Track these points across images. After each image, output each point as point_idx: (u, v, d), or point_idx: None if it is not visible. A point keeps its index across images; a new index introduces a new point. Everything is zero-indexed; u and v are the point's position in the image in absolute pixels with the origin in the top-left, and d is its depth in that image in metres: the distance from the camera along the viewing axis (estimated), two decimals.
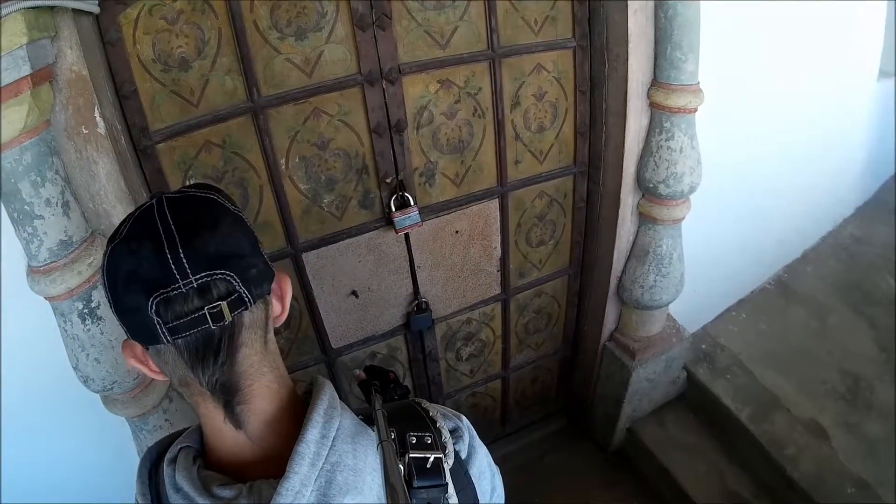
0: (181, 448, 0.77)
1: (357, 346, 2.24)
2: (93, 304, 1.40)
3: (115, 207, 1.43)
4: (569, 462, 2.95)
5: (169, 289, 0.64)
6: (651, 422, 2.84)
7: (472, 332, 2.51)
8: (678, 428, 2.81)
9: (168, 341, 0.66)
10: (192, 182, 1.69)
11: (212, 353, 0.68)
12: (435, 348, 2.44)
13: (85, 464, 1.95)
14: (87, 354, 1.44)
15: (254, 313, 0.72)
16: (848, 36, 2.91)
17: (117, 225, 0.71)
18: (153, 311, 0.64)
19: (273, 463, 0.72)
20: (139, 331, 0.68)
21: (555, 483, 2.85)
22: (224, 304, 0.67)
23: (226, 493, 0.70)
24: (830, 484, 2.34)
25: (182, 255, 0.65)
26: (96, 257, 1.35)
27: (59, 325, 1.43)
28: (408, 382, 2.48)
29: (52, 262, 1.31)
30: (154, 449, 0.82)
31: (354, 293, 2.10)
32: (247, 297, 0.69)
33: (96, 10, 1.33)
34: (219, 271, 0.67)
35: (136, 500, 0.78)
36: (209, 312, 0.66)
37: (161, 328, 0.65)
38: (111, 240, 0.69)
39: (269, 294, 0.75)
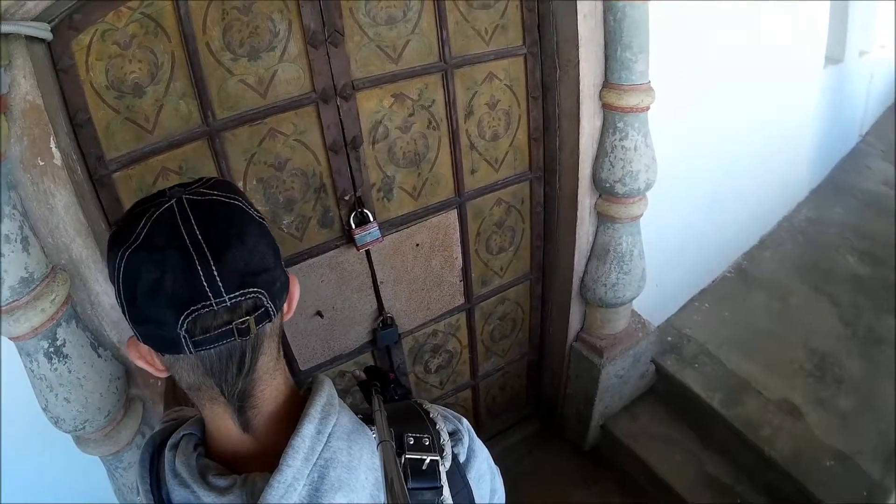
0: (184, 435, 0.78)
1: (325, 365, 2.20)
2: (58, 343, 1.35)
3: (75, 241, 1.38)
4: (546, 464, 2.95)
5: (199, 306, 0.63)
6: (624, 417, 2.87)
7: (439, 343, 2.50)
8: (651, 420, 2.85)
9: (191, 353, 0.65)
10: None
11: (235, 364, 0.68)
12: (403, 362, 2.42)
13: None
14: (56, 395, 1.39)
15: (274, 323, 0.72)
16: (794, 26, 2.98)
17: (124, 216, 0.68)
18: (183, 328, 0.63)
19: (270, 457, 0.72)
20: (156, 340, 0.67)
21: (534, 487, 2.85)
22: (251, 318, 0.66)
23: (221, 482, 0.71)
24: (809, 459, 2.40)
25: (215, 273, 0.63)
26: (59, 293, 1.31)
27: (25, 366, 1.37)
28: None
29: (13, 301, 1.26)
30: (158, 435, 0.82)
31: (319, 313, 2.07)
32: (272, 310, 0.69)
33: (49, 36, 1.28)
34: (251, 290, 0.66)
35: (136, 482, 0.78)
36: (237, 327, 0.65)
37: (186, 341, 0.64)
38: (121, 240, 0.65)
39: (285, 302, 0.75)
